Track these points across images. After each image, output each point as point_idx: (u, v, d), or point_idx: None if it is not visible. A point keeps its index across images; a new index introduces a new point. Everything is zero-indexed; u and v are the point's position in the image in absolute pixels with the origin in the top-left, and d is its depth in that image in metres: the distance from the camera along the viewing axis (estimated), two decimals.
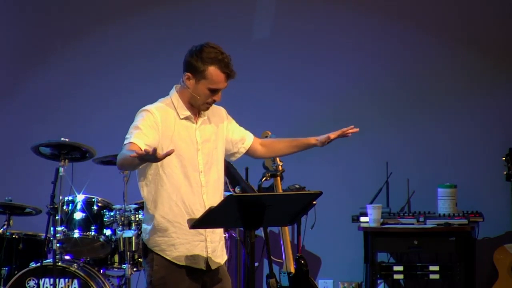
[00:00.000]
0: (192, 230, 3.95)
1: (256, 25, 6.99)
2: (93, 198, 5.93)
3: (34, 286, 5.71)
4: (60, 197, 5.72)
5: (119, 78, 7.05)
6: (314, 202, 3.80)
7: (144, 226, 4.08)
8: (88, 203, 5.91)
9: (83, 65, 7.10)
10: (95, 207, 5.90)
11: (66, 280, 5.72)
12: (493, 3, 6.80)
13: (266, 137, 5.60)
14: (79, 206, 5.88)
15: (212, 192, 4.04)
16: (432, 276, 6.29)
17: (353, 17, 6.92)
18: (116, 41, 7.09)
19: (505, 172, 6.18)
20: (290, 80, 6.93)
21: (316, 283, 6.63)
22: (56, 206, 5.64)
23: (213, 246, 4.06)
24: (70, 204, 5.89)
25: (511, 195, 6.22)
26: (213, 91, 3.98)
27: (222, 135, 4.17)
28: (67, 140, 5.77)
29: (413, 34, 6.87)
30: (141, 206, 5.88)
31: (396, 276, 6.35)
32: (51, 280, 5.67)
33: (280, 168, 5.98)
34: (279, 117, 6.83)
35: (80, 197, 5.91)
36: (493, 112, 6.76)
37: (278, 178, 5.91)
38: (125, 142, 3.92)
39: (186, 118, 4.03)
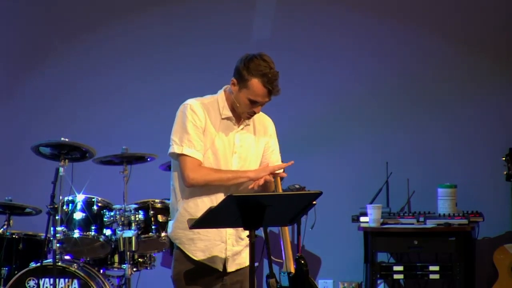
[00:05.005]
0: (212, 229, 3.98)
1: (256, 26, 6.98)
2: (93, 198, 5.93)
3: (34, 286, 5.71)
4: (60, 197, 5.72)
5: (119, 78, 7.04)
6: (314, 202, 3.80)
7: (170, 222, 4.12)
8: (88, 203, 5.91)
9: (83, 65, 7.10)
10: (95, 207, 5.90)
11: (66, 280, 5.72)
12: (494, 3, 6.80)
13: None
14: (79, 206, 5.89)
15: None
16: (432, 276, 6.29)
17: (352, 17, 6.91)
18: (117, 40, 7.08)
19: (505, 172, 6.18)
20: (290, 81, 6.91)
21: (316, 283, 6.63)
22: (56, 206, 5.64)
23: (235, 250, 4.09)
24: (70, 204, 5.89)
25: (511, 195, 6.22)
26: (253, 103, 3.98)
27: (261, 147, 4.17)
28: (67, 140, 5.77)
29: (413, 34, 6.86)
30: (141, 206, 5.88)
31: (396, 276, 6.34)
32: (51, 280, 5.67)
33: None
34: (279, 117, 6.79)
35: (80, 197, 5.92)
36: (493, 112, 6.76)
37: (278, 178, 5.88)
38: (176, 149, 3.94)
39: (228, 118, 4.05)
